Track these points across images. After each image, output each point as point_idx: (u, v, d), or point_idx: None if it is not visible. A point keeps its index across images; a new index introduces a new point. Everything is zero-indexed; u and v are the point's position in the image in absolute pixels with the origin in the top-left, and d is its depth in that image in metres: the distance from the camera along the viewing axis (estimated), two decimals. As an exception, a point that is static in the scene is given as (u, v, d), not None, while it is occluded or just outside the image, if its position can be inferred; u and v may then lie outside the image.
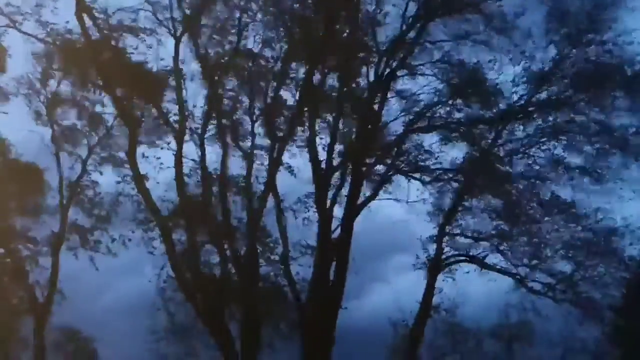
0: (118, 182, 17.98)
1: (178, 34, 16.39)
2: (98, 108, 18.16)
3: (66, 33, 16.61)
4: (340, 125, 17.07)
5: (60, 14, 16.33)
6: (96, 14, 15.80)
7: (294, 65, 17.06)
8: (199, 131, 16.48)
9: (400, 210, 17.38)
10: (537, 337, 17.90)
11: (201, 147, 16.46)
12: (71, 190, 18.84)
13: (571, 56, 16.86)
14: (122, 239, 17.94)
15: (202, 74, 16.53)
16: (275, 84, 16.99)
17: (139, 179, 16.20)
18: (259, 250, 16.68)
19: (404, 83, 17.04)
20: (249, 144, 17.02)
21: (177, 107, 16.43)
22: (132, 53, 16.56)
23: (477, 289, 18.46)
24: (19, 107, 18.43)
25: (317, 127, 16.98)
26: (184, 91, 16.37)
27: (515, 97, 17.04)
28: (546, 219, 17.58)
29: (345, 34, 17.05)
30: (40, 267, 18.67)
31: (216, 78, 16.71)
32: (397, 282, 19.07)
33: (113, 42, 16.32)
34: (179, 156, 16.16)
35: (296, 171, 17.20)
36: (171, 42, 16.33)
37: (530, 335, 17.94)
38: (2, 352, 18.83)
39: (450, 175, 17.16)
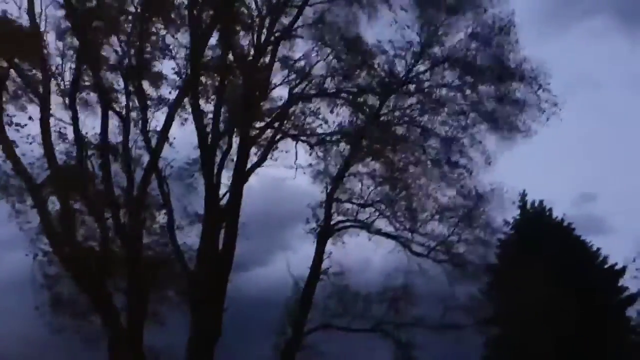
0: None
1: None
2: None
3: None
4: (227, 91, 16.59)
5: None
6: None
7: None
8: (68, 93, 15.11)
9: (304, 178, 17.39)
10: (420, 297, 18.48)
11: (72, 109, 15.10)
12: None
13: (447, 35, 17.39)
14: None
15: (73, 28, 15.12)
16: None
17: (7, 144, 14.66)
18: (143, 219, 15.79)
19: (289, 49, 16.82)
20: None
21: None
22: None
23: (368, 253, 18.80)
24: None
25: (202, 92, 16.32)
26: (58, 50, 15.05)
27: (397, 69, 17.35)
28: (424, 183, 18.28)
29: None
30: None
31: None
32: (301, 249, 18.89)
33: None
34: (45, 121, 14.70)
35: (180, 137, 16.52)
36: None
37: (413, 295, 18.47)
38: None
39: (337, 139, 17.21)
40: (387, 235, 18.11)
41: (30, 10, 14.67)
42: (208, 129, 16.17)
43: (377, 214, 18.22)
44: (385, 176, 17.79)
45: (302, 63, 16.80)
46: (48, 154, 14.69)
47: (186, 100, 16.44)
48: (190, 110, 16.41)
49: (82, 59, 15.25)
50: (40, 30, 14.80)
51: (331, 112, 17.24)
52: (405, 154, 17.77)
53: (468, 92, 17.67)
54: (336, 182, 17.56)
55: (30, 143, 14.86)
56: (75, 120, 15.13)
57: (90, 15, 15.40)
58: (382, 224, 18.21)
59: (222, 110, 16.54)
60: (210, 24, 16.09)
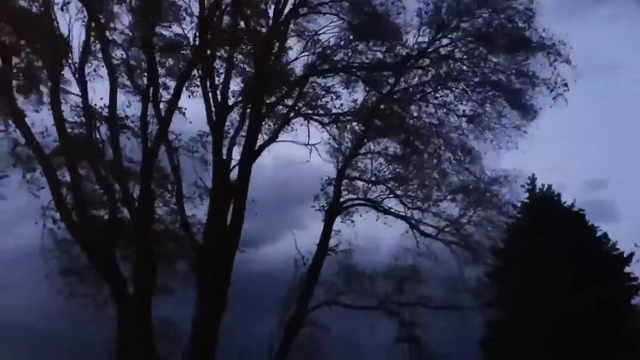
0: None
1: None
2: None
3: None
4: (239, 65, 16.36)
5: None
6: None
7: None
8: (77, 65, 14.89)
9: (318, 156, 17.11)
10: (426, 278, 18.47)
11: (81, 82, 14.90)
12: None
13: (472, 14, 16.84)
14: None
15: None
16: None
17: (17, 114, 14.58)
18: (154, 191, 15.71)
19: (305, 22, 16.45)
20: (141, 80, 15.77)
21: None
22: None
23: (378, 234, 18.72)
24: None
25: (214, 65, 16.06)
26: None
27: (415, 45, 16.82)
28: (437, 164, 18.04)
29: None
30: None
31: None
32: (312, 227, 18.76)
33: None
34: (55, 92, 14.58)
35: (193, 110, 16.35)
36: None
37: (420, 275, 18.46)
38: None
39: (350, 118, 16.99)
40: (396, 215, 18.01)
41: None
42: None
43: (387, 192, 18.08)
44: (398, 154, 17.55)
45: (319, 37, 16.40)
46: (58, 124, 14.56)
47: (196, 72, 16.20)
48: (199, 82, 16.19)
49: (91, 30, 14.96)
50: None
51: (346, 88, 16.86)
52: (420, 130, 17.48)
53: (482, 64, 16.90)
54: (348, 160, 17.39)
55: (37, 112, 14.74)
56: (84, 92, 14.93)
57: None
58: (392, 203, 18.12)
59: (232, 83, 16.29)
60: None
